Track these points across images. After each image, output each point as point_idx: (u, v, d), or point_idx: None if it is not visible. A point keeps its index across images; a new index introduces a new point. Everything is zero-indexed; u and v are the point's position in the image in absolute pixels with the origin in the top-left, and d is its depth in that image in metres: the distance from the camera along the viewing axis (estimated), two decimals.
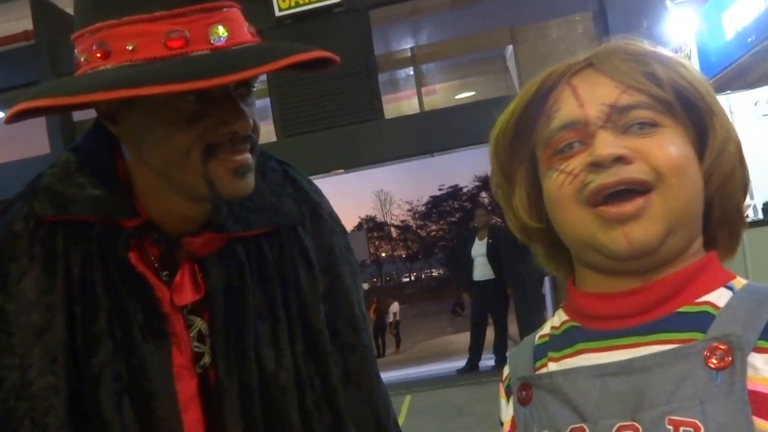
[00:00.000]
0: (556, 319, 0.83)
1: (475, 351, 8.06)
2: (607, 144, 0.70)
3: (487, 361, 8.00)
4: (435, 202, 43.64)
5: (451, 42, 8.64)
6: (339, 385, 1.06)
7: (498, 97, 6.92)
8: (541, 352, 0.80)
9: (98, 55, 0.85)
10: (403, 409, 6.26)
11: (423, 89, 8.54)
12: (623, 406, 0.67)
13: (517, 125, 0.80)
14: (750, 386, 0.63)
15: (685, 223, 0.71)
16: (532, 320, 7.23)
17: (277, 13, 6.75)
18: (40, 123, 7.19)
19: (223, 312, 0.99)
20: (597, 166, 0.70)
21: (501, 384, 0.86)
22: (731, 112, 7.09)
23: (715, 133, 0.73)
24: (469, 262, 8.14)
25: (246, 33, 0.88)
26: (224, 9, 0.85)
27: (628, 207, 0.69)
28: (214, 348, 0.98)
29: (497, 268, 7.83)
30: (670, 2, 6.09)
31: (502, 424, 0.84)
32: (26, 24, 7.32)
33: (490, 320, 8.21)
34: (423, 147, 6.99)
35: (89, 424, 0.91)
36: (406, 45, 8.65)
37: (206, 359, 0.99)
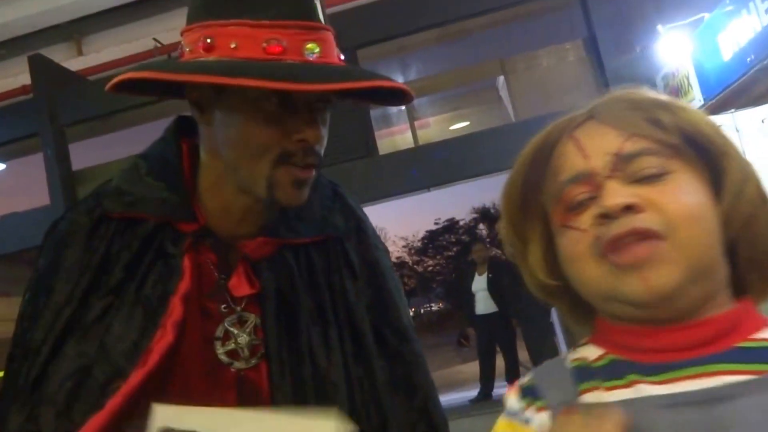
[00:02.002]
0: (589, 352, 0.79)
1: (487, 379, 7.94)
2: (615, 194, 0.70)
3: (500, 389, 7.85)
4: (431, 237, 43.60)
5: (441, 76, 8.63)
6: (386, 389, 1.09)
7: (492, 128, 6.92)
8: (587, 376, 0.75)
9: (202, 47, 0.94)
10: None
11: (417, 122, 8.54)
12: None
13: (524, 184, 0.81)
14: None
15: (705, 271, 0.70)
16: (542, 347, 7.23)
17: None
18: (39, 174, 7.43)
19: (275, 308, 1.04)
20: (607, 217, 0.70)
21: (512, 387, 0.83)
22: (737, 130, 7.01)
23: (730, 174, 0.73)
24: (470, 297, 8.08)
25: (335, 56, 0.98)
26: (321, 31, 0.96)
27: (640, 251, 0.68)
28: (268, 342, 1.03)
29: (500, 301, 7.77)
30: (661, 27, 6.07)
31: (511, 414, 0.80)
32: (24, 79, 7.59)
33: (499, 349, 8.12)
34: (419, 182, 6.89)
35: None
36: (397, 81, 8.63)
37: (262, 351, 1.04)
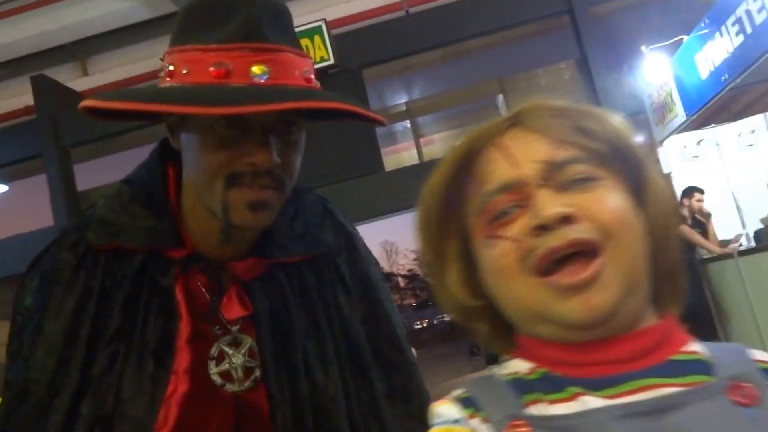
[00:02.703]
0: (519, 367, 0.71)
1: None
2: (551, 203, 0.65)
3: None
4: None
5: (443, 94, 8.87)
6: (384, 400, 1.11)
7: None
8: (526, 388, 0.68)
9: (166, 74, 0.94)
10: None
11: (423, 140, 8.67)
12: None
13: (444, 196, 0.74)
14: None
15: (638, 283, 0.66)
16: None
17: None
18: (43, 195, 7.26)
19: (270, 328, 1.04)
20: (543, 228, 0.64)
21: (443, 399, 0.72)
22: (717, 144, 7.37)
23: (652, 183, 0.71)
24: None
25: (296, 77, 0.93)
26: (272, 52, 0.91)
27: (584, 273, 0.63)
28: (264, 363, 1.03)
29: None
30: (645, 48, 6.37)
31: (446, 421, 0.68)
32: (27, 100, 7.48)
33: None
34: None
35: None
36: (401, 100, 8.89)
37: (257, 374, 1.03)
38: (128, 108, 0.90)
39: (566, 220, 0.64)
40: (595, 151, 0.68)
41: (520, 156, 0.69)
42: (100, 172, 7.90)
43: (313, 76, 0.97)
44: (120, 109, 0.92)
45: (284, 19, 0.96)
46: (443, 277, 0.76)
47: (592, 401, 0.63)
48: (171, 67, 0.93)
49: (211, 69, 0.89)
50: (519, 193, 0.67)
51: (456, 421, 0.67)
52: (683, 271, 0.74)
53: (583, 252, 0.64)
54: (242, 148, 0.92)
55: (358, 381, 1.09)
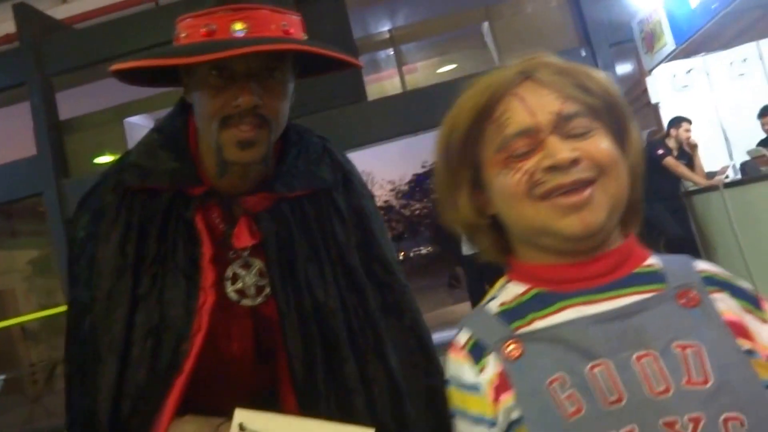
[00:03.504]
0: (510, 291, 0.92)
1: None
2: (561, 149, 0.82)
3: None
4: (418, 180, 43.65)
5: (428, 22, 8.70)
6: (378, 314, 1.25)
7: (478, 73, 6.88)
8: (515, 315, 0.88)
9: (174, 39, 1.12)
10: None
11: (405, 67, 8.55)
12: (629, 342, 0.79)
13: (466, 134, 0.89)
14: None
15: (619, 207, 0.85)
16: None
17: None
18: (25, 124, 7.17)
19: (276, 253, 1.20)
20: (555, 168, 0.82)
21: (459, 350, 0.91)
22: (707, 74, 7.24)
23: (633, 133, 0.89)
24: (457, 238, 8.23)
25: (273, 30, 1.09)
26: (248, 10, 1.08)
27: (581, 196, 0.82)
28: (273, 282, 1.19)
29: None
30: None
31: (464, 386, 0.88)
32: (8, 27, 7.32)
33: (487, 286, 8.26)
34: (407, 127, 6.99)
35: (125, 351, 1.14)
36: (384, 27, 8.69)
37: (267, 291, 1.21)
38: (137, 66, 1.09)
39: (574, 162, 0.82)
40: (592, 106, 0.85)
41: (536, 107, 0.84)
42: (83, 100, 7.82)
43: (293, 30, 1.12)
44: (133, 67, 1.09)
45: None
46: (455, 197, 0.93)
47: (571, 313, 0.84)
48: (176, 34, 1.12)
49: (202, 30, 1.07)
50: (534, 138, 0.84)
51: (473, 388, 0.87)
52: (641, 203, 0.91)
53: (588, 186, 0.82)
54: (230, 94, 1.08)
55: (354, 298, 1.24)
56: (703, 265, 0.88)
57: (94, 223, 1.20)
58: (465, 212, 0.93)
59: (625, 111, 0.88)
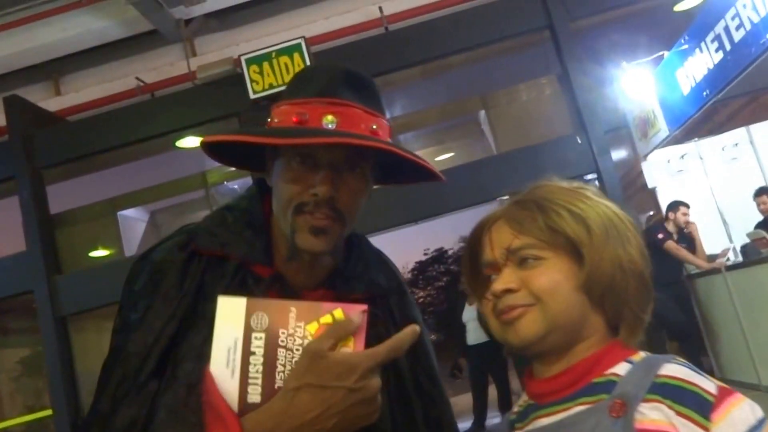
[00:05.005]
0: (521, 400, 1.11)
1: (480, 410, 8.00)
2: (501, 281, 1.01)
3: (493, 419, 7.94)
4: (421, 268, 43.53)
5: (425, 111, 8.81)
6: (423, 429, 1.27)
7: (476, 161, 7.01)
8: (512, 424, 1.09)
9: (266, 124, 1.18)
10: None
11: None
12: None
13: (469, 261, 1.12)
14: (638, 426, 0.88)
15: (563, 325, 0.98)
16: None
17: (252, 96, 6.62)
18: (14, 218, 7.02)
19: None
20: (496, 296, 1.01)
21: None
22: (701, 158, 7.35)
23: (587, 259, 0.99)
24: (461, 327, 8.12)
25: (362, 129, 1.13)
26: (342, 106, 1.13)
27: (509, 316, 1.00)
28: None
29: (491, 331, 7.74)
30: (626, 63, 6.35)
31: None
32: None
33: (491, 379, 8.15)
34: (408, 215, 6.98)
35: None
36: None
37: None
38: (227, 140, 1.15)
39: (509, 290, 1.00)
40: (543, 238, 1.00)
41: (495, 242, 1.06)
42: (74, 194, 7.74)
43: (381, 132, 1.16)
44: (223, 141, 1.16)
45: (361, 84, 1.18)
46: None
47: (537, 423, 1.01)
48: (269, 119, 1.17)
49: (293, 117, 1.12)
50: (495, 267, 1.05)
51: None
52: (640, 320, 1.02)
53: (519, 308, 1.00)
54: (309, 182, 1.12)
55: (402, 409, 1.25)
56: (667, 370, 0.93)
57: (156, 275, 1.19)
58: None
59: (579, 240, 0.99)
